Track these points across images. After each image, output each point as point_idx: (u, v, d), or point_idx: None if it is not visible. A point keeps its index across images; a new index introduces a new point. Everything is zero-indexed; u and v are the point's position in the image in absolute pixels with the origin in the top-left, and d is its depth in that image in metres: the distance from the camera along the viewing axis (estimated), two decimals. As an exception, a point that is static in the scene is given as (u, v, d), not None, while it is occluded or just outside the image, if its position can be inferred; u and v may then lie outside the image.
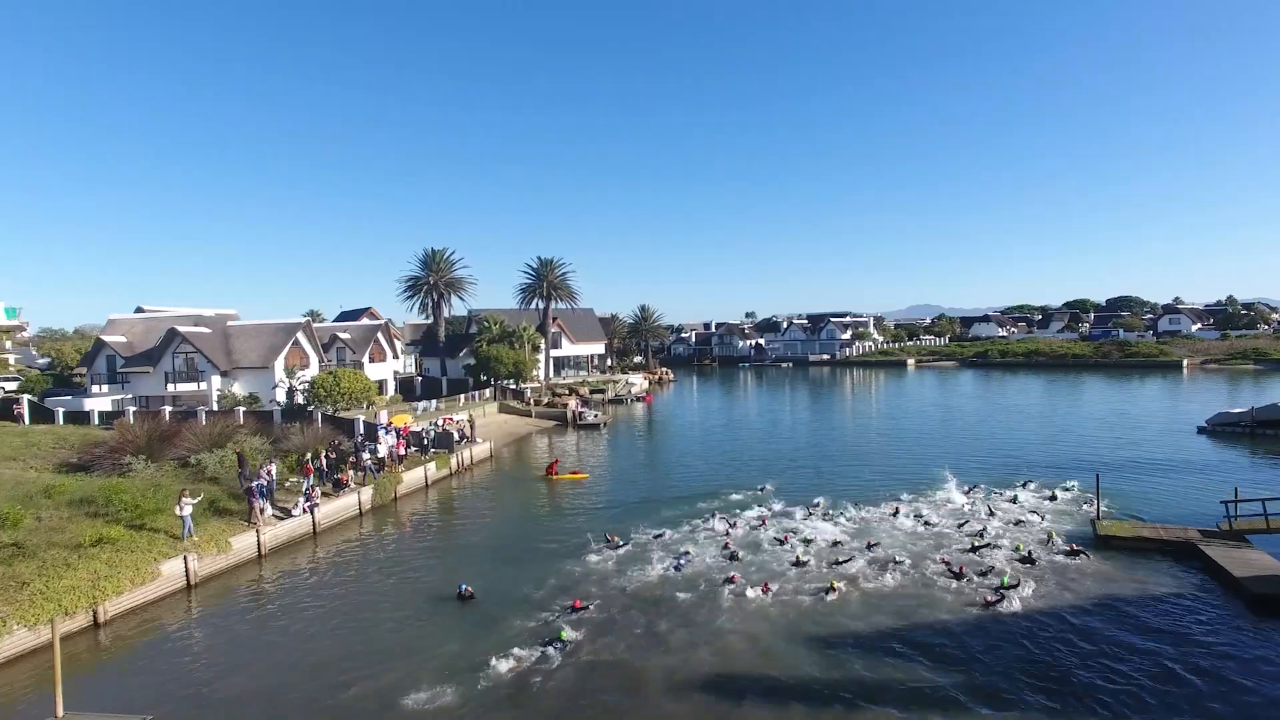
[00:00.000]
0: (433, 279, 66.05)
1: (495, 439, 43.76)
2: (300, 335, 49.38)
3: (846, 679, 14.17)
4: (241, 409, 39.57)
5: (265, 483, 24.92)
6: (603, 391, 68.06)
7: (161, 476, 27.08)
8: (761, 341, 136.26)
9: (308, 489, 25.96)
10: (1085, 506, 25.47)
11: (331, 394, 39.91)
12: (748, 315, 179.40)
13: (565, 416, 53.53)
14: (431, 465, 33.78)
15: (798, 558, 20.62)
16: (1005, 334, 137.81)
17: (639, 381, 77.02)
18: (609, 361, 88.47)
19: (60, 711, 12.40)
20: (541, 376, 66.68)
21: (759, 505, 27.18)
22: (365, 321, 67.64)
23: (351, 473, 29.26)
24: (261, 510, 23.67)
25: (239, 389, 46.08)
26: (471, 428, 41.12)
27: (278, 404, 42.58)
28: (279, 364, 46.65)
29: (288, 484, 27.67)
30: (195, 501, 21.52)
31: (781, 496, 28.47)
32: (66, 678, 13.06)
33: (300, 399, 43.00)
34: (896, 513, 25.26)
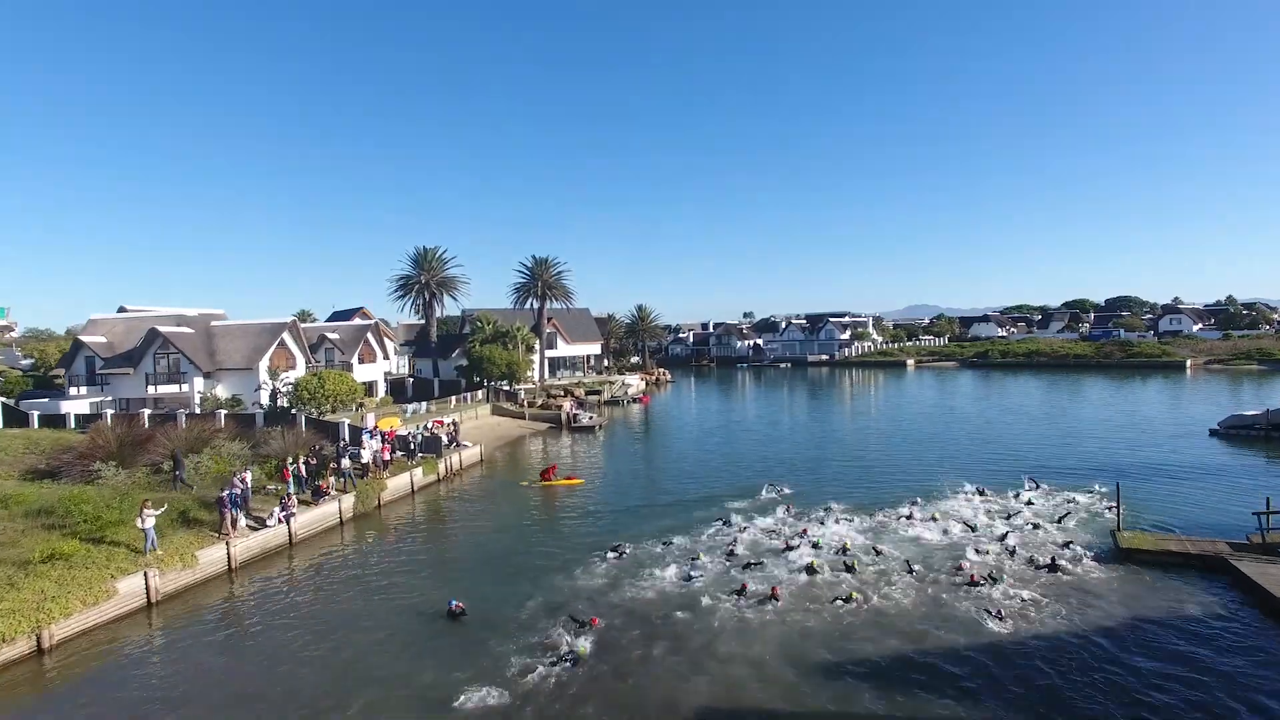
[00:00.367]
0: (424, 278, 64.68)
1: (487, 442, 42.41)
2: (286, 335, 47.97)
3: (861, 712, 12.91)
4: (223, 412, 38.18)
5: (239, 490, 23.59)
6: (599, 393, 66.72)
7: (133, 485, 25.77)
8: (760, 342, 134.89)
9: (284, 498, 24.62)
10: (1106, 513, 24.44)
11: (315, 396, 38.56)
12: (746, 315, 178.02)
13: (560, 419, 52.18)
14: (418, 471, 32.42)
15: (811, 564, 19.84)
16: (1005, 334, 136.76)
17: (636, 382, 75.68)
18: (605, 362, 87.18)
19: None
20: (536, 377, 65.35)
21: (772, 509, 26.26)
22: (356, 322, 66.27)
23: (332, 479, 27.94)
24: (234, 521, 22.35)
25: (222, 391, 44.69)
26: (455, 430, 39.63)
27: (260, 407, 41.19)
28: (263, 365, 45.24)
29: (267, 489, 26.35)
30: (159, 513, 20.14)
31: (791, 500, 27.43)
32: (2, 711, 11.73)
33: (283, 401, 41.62)
34: (910, 516, 24.42)
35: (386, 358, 62.98)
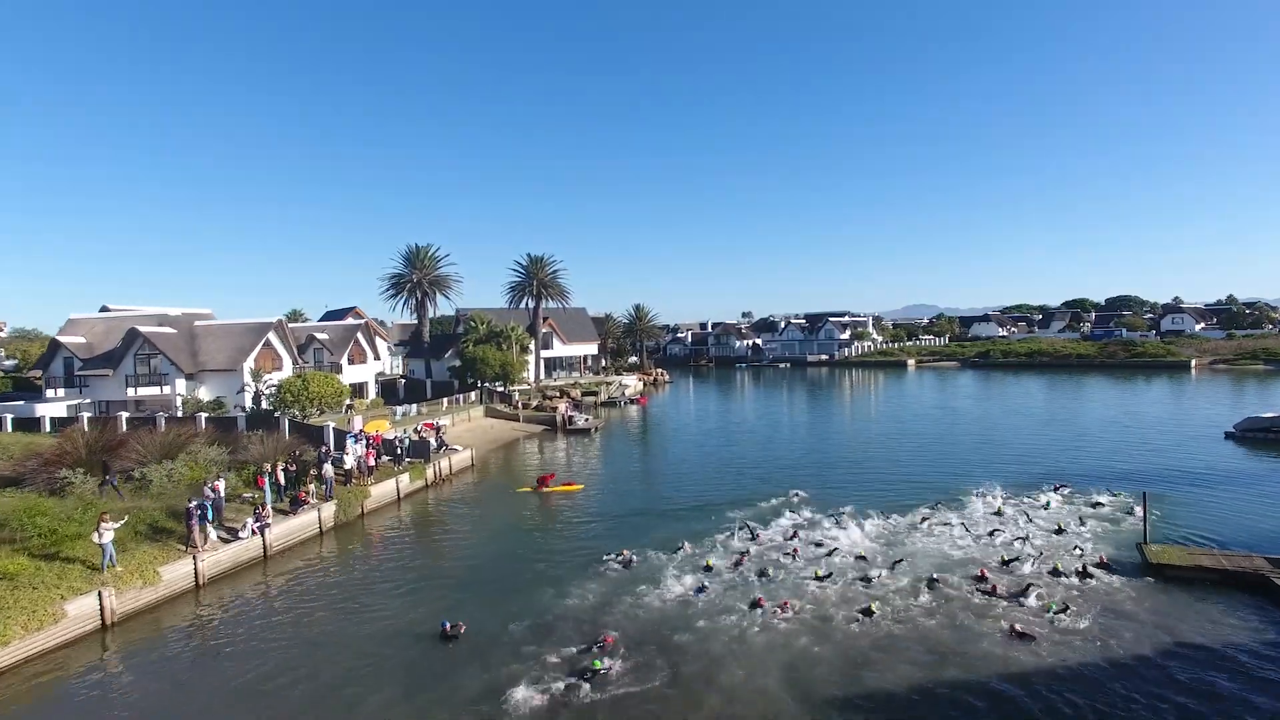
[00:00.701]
0: (416, 276, 63.20)
1: (479, 445, 41.01)
2: (272, 335, 46.51)
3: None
4: (204, 415, 36.73)
5: (210, 500, 22.17)
6: (595, 394, 65.33)
7: (106, 492, 24.35)
8: (759, 341, 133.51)
9: (259, 508, 23.21)
10: (1126, 520, 23.40)
11: (300, 398, 37.13)
12: (744, 315, 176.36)
13: (555, 421, 50.76)
14: (405, 476, 31.02)
15: (817, 573, 18.89)
16: (1006, 334, 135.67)
17: (633, 383, 74.25)
18: (602, 362, 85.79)
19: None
20: (531, 378, 63.94)
21: (781, 515, 25.16)
22: (346, 322, 64.82)
23: (313, 487, 26.54)
24: (204, 533, 20.93)
25: (204, 393, 43.23)
26: (439, 434, 38.04)
27: (243, 410, 39.75)
28: (247, 366, 43.79)
29: (243, 498, 24.94)
30: (117, 526, 18.73)
31: (800, 506, 26.32)
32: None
33: (267, 404, 40.19)
34: (924, 521, 23.41)
35: (378, 358, 61.57)
